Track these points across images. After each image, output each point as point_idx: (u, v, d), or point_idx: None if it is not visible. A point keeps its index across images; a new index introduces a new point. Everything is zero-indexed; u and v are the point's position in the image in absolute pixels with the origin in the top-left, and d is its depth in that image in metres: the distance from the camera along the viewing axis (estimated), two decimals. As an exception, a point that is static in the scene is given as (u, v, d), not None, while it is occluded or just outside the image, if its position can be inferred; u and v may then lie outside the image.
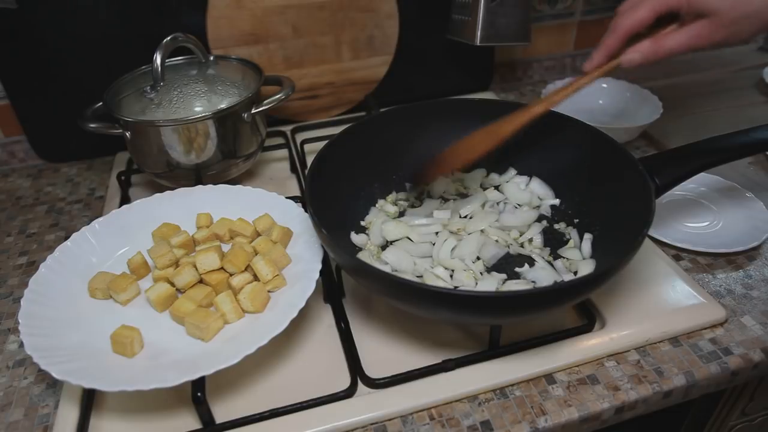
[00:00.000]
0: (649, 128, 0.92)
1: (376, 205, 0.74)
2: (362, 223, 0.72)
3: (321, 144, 0.67)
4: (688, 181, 0.64)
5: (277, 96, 0.79)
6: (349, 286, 0.67)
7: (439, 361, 0.58)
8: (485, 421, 0.54)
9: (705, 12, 0.54)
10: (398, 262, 0.65)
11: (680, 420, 0.73)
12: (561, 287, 0.52)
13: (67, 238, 0.68)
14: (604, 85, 1.02)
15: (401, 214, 0.74)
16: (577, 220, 0.70)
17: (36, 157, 0.99)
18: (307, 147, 0.91)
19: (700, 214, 0.77)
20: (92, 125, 0.75)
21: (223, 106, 0.77)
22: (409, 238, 0.69)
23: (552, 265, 0.66)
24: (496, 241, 0.68)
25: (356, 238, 0.70)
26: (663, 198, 0.70)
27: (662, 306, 0.64)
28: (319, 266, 0.62)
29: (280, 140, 0.96)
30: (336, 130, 0.71)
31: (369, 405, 0.55)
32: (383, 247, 0.68)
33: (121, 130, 0.76)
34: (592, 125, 0.68)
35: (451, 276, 0.64)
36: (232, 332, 0.59)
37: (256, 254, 0.65)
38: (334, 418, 0.54)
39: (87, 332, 0.59)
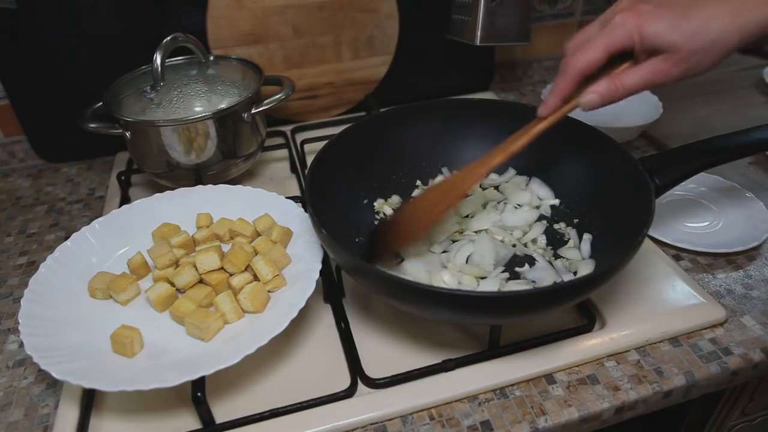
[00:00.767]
0: (649, 128, 0.92)
1: (375, 205, 0.74)
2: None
3: (321, 144, 0.67)
4: (688, 181, 0.65)
5: (277, 96, 0.79)
6: (349, 286, 0.67)
7: (439, 361, 0.58)
8: (485, 421, 0.54)
9: (659, 49, 0.50)
10: (418, 274, 0.64)
11: (680, 420, 0.73)
12: (561, 287, 0.52)
13: (67, 238, 0.68)
14: (604, 85, 1.02)
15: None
16: (577, 220, 0.70)
17: (36, 157, 0.99)
18: (307, 147, 0.91)
19: (700, 214, 0.77)
20: (92, 125, 0.75)
21: (223, 106, 0.77)
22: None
23: (552, 264, 0.66)
24: (502, 241, 0.68)
25: None
26: (663, 198, 0.70)
27: (662, 306, 0.64)
28: (319, 266, 0.62)
29: (280, 140, 0.96)
30: (336, 130, 0.71)
31: (369, 405, 0.55)
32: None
33: (121, 130, 0.76)
34: (592, 125, 0.68)
35: (460, 281, 0.64)
36: (232, 332, 0.59)
37: (256, 254, 0.65)
38: (334, 418, 0.54)
39: (87, 332, 0.59)
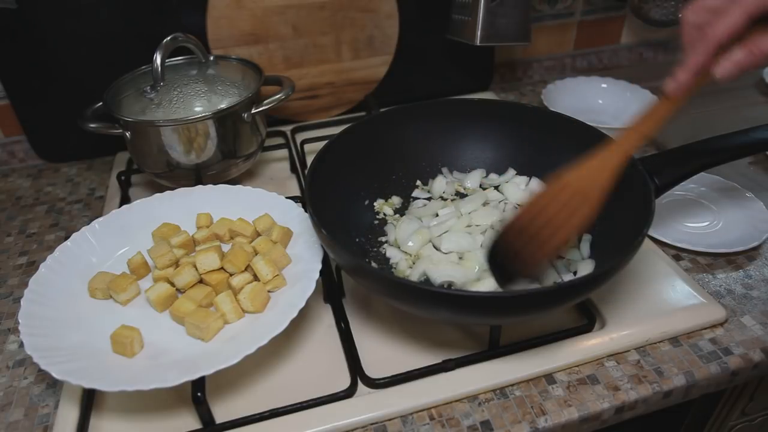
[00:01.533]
0: (649, 128, 0.92)
1: (375, 205, 0.74)
2: (382, 238, 0.71)
3: (321, 144, 0.67)
4: (688, 181, 0.65)
5: (277, 96, 0.79)
6: (349, 286, 0.67)
7: (439, 361, 0.58)
8: (485, 421, 0.54)
9: None
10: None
11: (680, 420, 0.73)
12: (561, 287, 0.52)
13: (67, 238, 0.68)
14: (604, 85, 1.02)
15: (400, 213, 0.74)
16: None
17: (36, 157, 0.99)
18: (307, 147, 0.91)
19: (700, 214, 0.77)
20: (92, 125, 0.75)
21: (223, 106, 0.77)
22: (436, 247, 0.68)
23: (552, 264, 0.66)
24: None
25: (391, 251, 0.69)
26: (663, 198, 0.70)
27: (662, 306, 0.64)
28: (319, 266, 0.62)
29: (280, 140, 0.96)
30: (336, 130, 0.71)
31: (369, 405, 0.55)
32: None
33: (121, 130, 0.76)
34: (592, 125, 0.68)
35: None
36: (232, 332, 0.59)
37: (256, 254, 0.65)
38: (334, 418, 0.54)
39: (87, 332, 0.59)
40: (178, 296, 0.63)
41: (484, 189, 0.76)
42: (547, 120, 0.68)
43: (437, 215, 0.72)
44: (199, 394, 0.52)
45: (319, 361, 0.60)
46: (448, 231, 0.69)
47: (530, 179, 0.75)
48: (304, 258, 0.65)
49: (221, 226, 0.70)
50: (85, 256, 0.67)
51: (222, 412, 0.55)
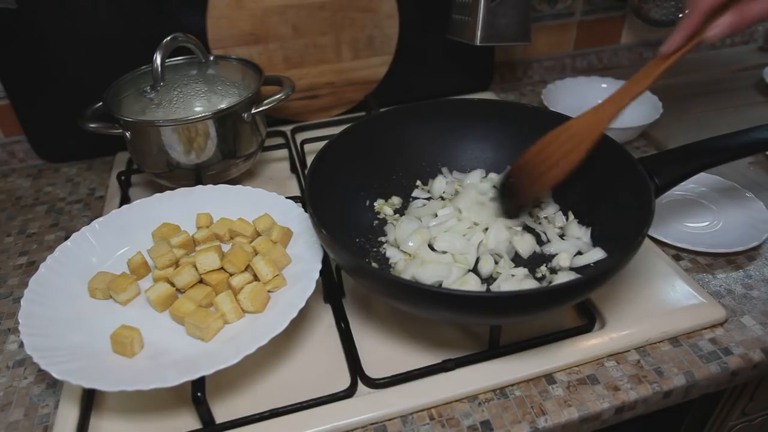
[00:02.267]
0: (649, 128, 0.92)
1: (375, 205, 0.74)
2: (381, 238, 0.71)
3: (321, 144, 0.67)
4: (688, 181, 0.65)
5: (277, 96, 0.79)
6: (349, 286, 0.67)
7: (439, 361, 0.58)
8: (485, 421, 0.54)
9: None
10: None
11: (680, 420, 0.73)
12: (561, 287, 0.52)
13: (67, 238, 0.68)
14: (604, 85, 1.02)
15: (400, 213, 0.74)
16: (577, 220, 0.70)
17: (36, 157, 0.99)
18: (307, 147, 0.91)
19: (700, 214, 0.77)
20: (92, 125, 0.75)
21: (223, 106, 0.77)
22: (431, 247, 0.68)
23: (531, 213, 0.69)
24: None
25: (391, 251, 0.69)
26: (663, 198, 0.70)
27: (662, 306, 0.64)
28: (319, 266, 0.62)
29: (280, 140, 0.96)
30: (336, 130, 0.71)
31: (369, 405, 0.55)
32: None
33: (121, 130, 0.76)
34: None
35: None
36: (232, 332, 0.59)
37: (256, 254, 0.65)
38: (334, 418, 0.54)
39: (87, 332, 0.59)
40: (178, 296, 0.63)
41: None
42: (547, 120, 0.68)
43: (437, 215, 0.72)
44: (199, 394, 0.52)
45: (319, 361, 0.60)
46: (447, 231, 0.69)
47: (530, 179, 0.75)
48: (304, 258, 0.65)
49: (221, 226, 0.70)
50: (85, 256, 0.67)
51: (222, 412, 0.55)
